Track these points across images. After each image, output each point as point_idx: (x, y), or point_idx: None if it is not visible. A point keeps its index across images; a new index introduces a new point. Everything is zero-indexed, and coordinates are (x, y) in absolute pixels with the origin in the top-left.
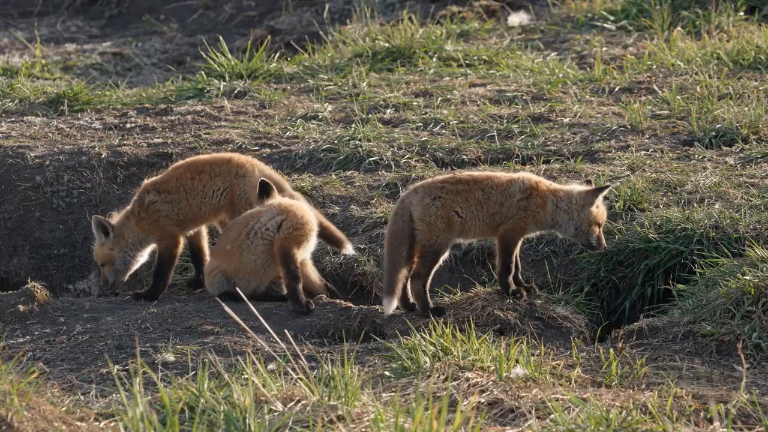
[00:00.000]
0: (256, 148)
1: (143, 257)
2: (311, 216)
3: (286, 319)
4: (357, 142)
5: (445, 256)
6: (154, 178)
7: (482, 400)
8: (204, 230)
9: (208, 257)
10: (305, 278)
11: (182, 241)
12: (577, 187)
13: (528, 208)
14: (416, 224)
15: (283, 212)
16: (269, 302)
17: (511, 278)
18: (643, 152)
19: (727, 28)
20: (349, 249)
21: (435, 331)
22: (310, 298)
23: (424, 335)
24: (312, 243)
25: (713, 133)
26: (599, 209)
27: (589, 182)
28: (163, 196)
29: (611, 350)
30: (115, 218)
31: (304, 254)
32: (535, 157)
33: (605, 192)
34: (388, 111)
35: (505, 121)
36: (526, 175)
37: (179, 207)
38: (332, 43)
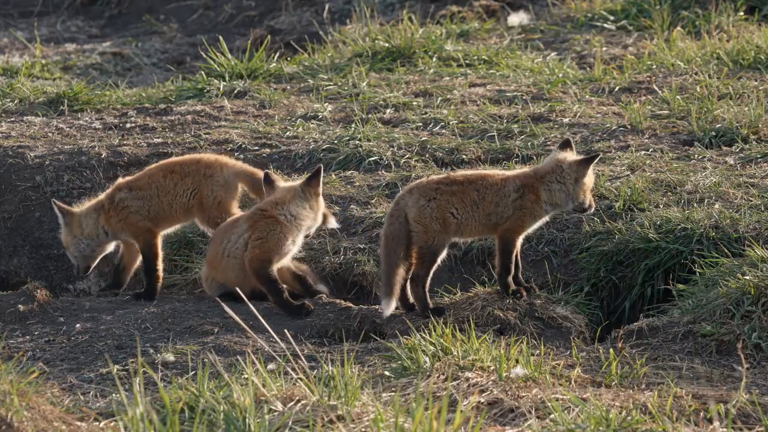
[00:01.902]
0: (256, 148)
1: (103, 250)
2: (286, 224)
3: (286, 318)
4: (357, 142)
5: (443, 255)
6: (128, 178)
7: (482, 400)
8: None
9: (128, 279)
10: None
11: (159, 234)
12: (562, 157)
13: (524, 207)
14: (412, 226)
15: (250, 228)
16: (269, 302)
17: (510, 278)
18: (643, 152)
19: (727, 28)
20: (333, 223)
21: (435, 331)
22: (306, 300)
23: (424, 335)
24: (289, 250)
25: (713, 133)
26: (590, 177)
27: (568, 144)
28: (134, 192)
29: (611, 350)
30: (85, 205)
31: (284, 261)
32: (535, 157)
33: (596, 161)
34: (388, 111)
35: (505, 121)
36: (518, 172)
37: (150, 203)
38: (332, 43)
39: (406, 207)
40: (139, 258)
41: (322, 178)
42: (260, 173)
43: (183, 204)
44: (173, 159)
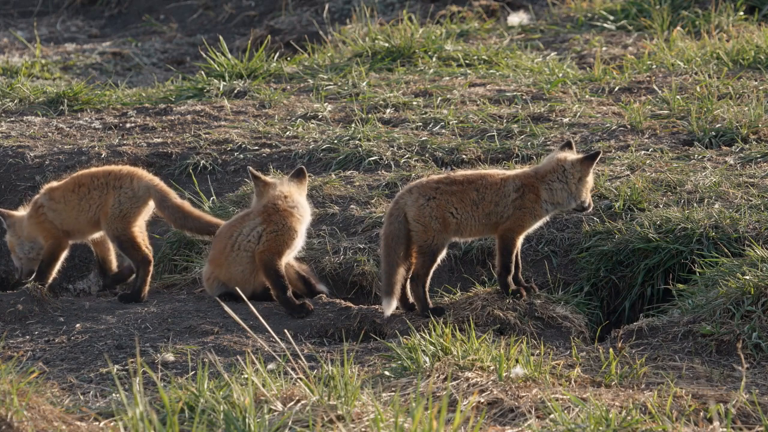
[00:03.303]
0: (256, 148)
1: (39, 253)
2: (298, 217)
3: (285, 318)
4: (357, 141)
5: (443, 255)
6: (54, 183)
7: (482, 400)
8: (109, 242)
9: (113, 267)
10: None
11: (67, 245)
12: (563, 156)
13: (524, 206)
14: (411, 225)
15: (264, 221)
16: (269, 302)
17: (510, 278)
18: (643, 152)
19: (727, 27)
20: None
21: (435, 330)
22: (306, 299)
23: (423, 335)
24: (297, 244)
25: (713, 133)
26: (591, 176)
27: (569, 146)
28: (51, 203)
29: (611, 350)
30: (26, 209)
31: (291, 255)
32: (535, 157)
33: (598, 158)
34: (388, 111)
35: (505, 120)
36: (518, 172)
37: (61, 216)
38: (332, 43)
39: (405, 206)
40: (111, 246)
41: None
42: (171, 193)
43: (89, 218)
44: (88, 170)
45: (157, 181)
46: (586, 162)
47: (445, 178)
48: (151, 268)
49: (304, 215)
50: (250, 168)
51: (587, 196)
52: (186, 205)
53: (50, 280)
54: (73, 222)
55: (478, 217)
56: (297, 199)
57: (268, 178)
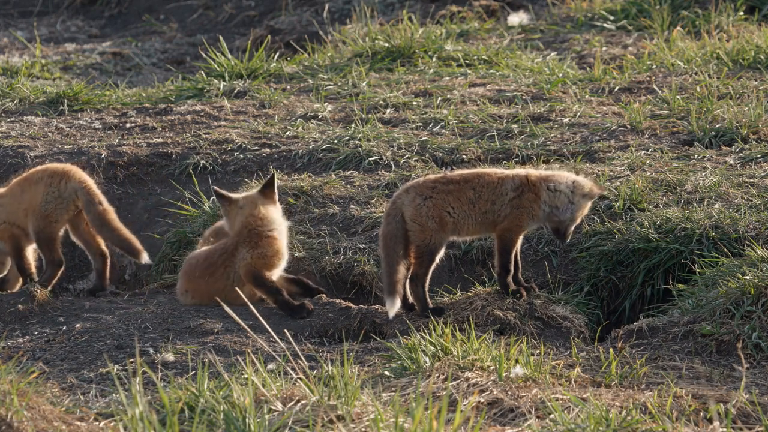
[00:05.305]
0: (256, 148)
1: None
2: (280, 238)
3: (285, 319)
4: (357, 141)
5: (441, 254)
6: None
7: (482, 400)
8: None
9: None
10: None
11: (25, 238)
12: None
13: (522, 206)
14: (408, 225)
15: (251, 248)
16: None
17: (510, 278)
18: (643, 152)
19: (727, 27)
20: (145, 258)
21: (435, 330)
22: (305, 299)
23: (423, 335)
24: (284, 263)
25: (713, 133)
26: (588, 207)
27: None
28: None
29: (611, 350)
30: None
31: (282, 265)
32: (535, 157)
33: (598, 196)
34: (388, 111)
35: (505, 120)
36: (517, 171)
37: (7, 210)
38: (332, 43)
39: (402, 206)
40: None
41: (276, 186)
42: (98, 197)
43: (25, 211)
44: (35, 168)
45: (88, 183)
46: (596, 192)
47: (442, 177)
48: (60, 272)
49: (283, 232)
50: (214, 187)
51: (576, 221)
52: (109, 213)
53: (33, 270)
54: (15, 215)
55: (475, 216)
56: (272, 217)
57: (233, 195)
